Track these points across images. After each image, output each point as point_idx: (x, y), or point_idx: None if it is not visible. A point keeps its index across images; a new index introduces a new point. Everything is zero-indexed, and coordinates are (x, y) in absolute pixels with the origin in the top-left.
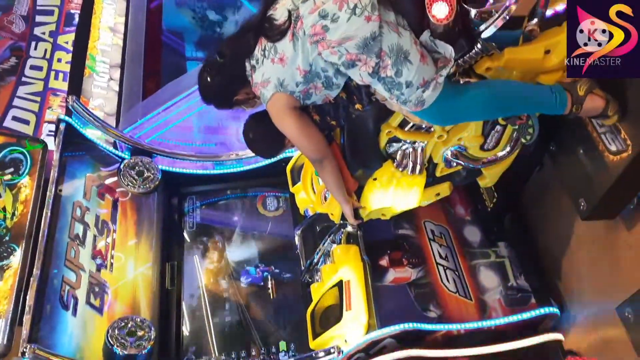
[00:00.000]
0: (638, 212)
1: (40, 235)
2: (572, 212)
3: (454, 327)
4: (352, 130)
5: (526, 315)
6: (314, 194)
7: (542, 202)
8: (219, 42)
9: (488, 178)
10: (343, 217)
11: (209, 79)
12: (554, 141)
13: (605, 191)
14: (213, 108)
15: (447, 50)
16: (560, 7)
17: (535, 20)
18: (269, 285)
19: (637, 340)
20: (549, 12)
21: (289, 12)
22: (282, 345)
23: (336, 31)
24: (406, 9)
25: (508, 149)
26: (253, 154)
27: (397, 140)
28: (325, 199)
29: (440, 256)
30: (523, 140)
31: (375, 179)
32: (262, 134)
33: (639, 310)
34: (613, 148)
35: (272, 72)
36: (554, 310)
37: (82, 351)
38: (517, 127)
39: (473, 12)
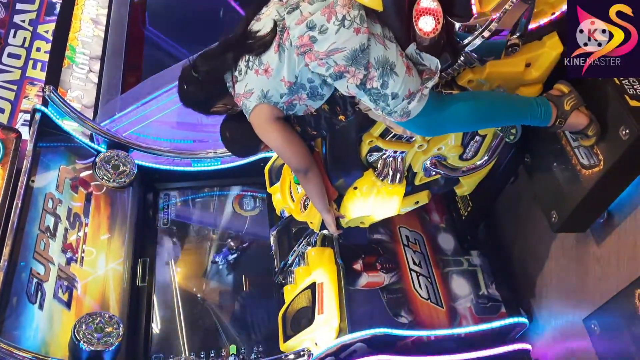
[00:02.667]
0: (608, 226)
1: (9, 226)
2: (543, 224)
3: (424, 333)
4: (334, 140)
5: (496, 324)
6: (292, 202)
7: (515, 213)
8: (198, 56)
9: (465, 187)
10: (323, 226)
11: (185, 88)
12: (529, 153)
13: (576, 204)
14: None
15: (433, 62)
16: (542, 20)
17: (518, 34)
18: (235, 293)
19: (603, 352)
20: (531, 26)
21: (275, 22)
22: (233, 349)
23: (324, 42)
24: (392, 21)
25: (486, 158)
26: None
27: (378, 149)
28: (305, 207)
29: (414, 262)
30: (507, 140)
31: (355, 188)
32: (239, 135)
33: (605, 323)
34: (585, 162)
35: (256, 83)
36: (523, 320)
37: (48, 346)
38: (499, 128)
39: (457, 25)
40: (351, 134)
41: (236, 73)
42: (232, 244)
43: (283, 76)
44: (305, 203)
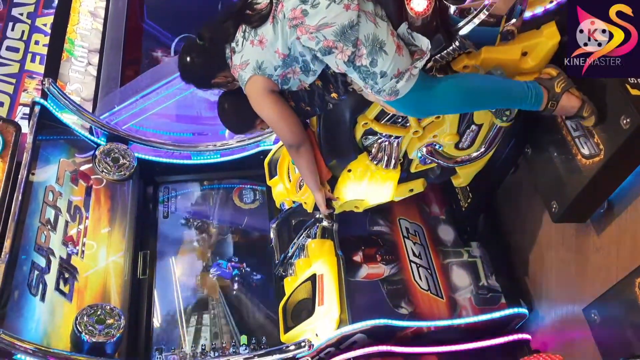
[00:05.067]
0: (608, 216)
1: (9, 219)
2: (544, 214)
3: (424, 324)
4: (329, 120)
5: (496, 315)
6: (289, 182)
7: (515, 204)
8: (202, 26)
9: (462, 178)
10: (316, 207)
11: (188, 59)
12: (529, 144)
13: (576, 194)
14: (192, 97)
15: (424, 43)
16: (539, 9)
17: (514, 20)
18: (235, 286)
19: (602, 341)
20: (527, 14)
21: None
22: (243, 339)
23: (315, 17)
24: (385, 0)
25: (482, 149)
26: (230, 145)
27: (374, 133)
28: (300, 187)
29: (414, 254)
30: (500, 121)
31: (349, 171)
32: (236, 107)
33: (604, 312)
34: (586, 152)
35: (251, 54)
36: (523, 310)
37: (50, 337)
38: (494, 110)
39: (452, 8)
40: (346, 115)
41: (234, 44)
42: (244, 267)
43: (277, 47)
44: (301, 184)
